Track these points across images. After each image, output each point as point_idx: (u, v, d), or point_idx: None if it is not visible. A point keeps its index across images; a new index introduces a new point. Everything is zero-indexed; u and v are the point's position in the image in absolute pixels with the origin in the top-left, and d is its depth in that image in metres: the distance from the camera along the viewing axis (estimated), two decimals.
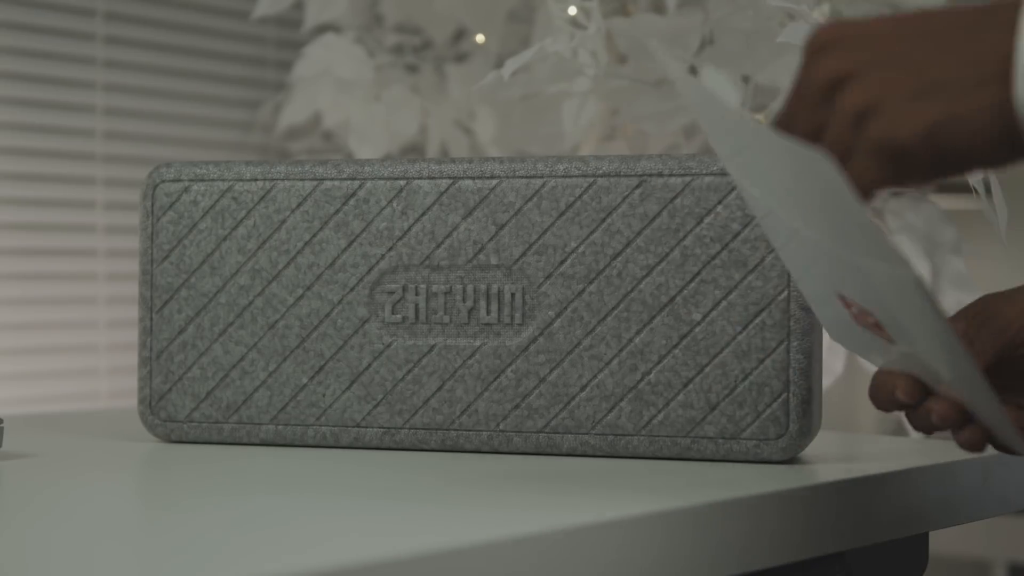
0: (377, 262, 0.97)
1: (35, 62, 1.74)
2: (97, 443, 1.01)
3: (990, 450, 0.96)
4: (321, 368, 0.98)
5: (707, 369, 0.92)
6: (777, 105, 1.37)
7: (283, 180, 0.99)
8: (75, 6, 1.76)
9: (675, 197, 0.93)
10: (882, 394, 0.72)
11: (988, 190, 1.19)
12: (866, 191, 0.62)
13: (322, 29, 1.77)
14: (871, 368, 1.55)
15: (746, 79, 1.37)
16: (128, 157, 1.82)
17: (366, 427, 0.97)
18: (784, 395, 0.90)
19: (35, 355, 1.76)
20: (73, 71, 1.77)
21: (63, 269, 1.78)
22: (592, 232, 0.94)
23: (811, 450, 0.97)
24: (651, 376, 0.93)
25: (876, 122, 0.61)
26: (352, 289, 0.98)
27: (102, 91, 1.79)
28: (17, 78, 1.73)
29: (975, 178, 1.18)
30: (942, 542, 2.62)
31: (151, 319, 1.01)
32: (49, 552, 0.61)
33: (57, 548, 0.62)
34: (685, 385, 0.92)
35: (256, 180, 0.99)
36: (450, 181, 0.96)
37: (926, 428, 0.71)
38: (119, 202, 1.82)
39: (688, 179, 0.93)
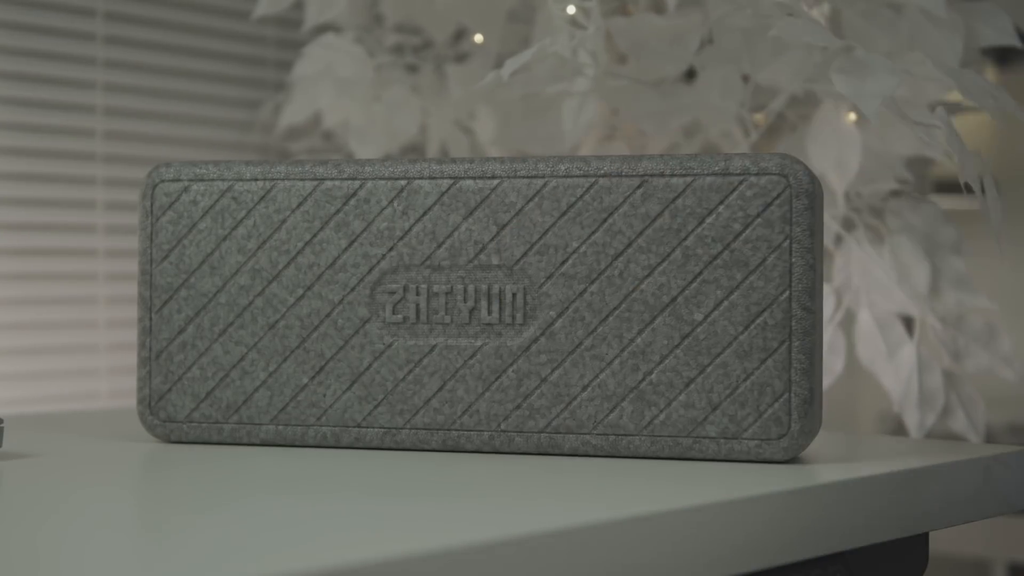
0: (378, 262, 0.97)
1: (35, 62, 1.74)
2: (97, 443, 1.01)
3: (990, 450, 0.96)
4: (321, 368, 0.98)
5: (709, 369, 0.92)
6: (778, 105, 1.37)
7: (283, 180, 0.99)
8: (75, 6, 1.76)
9: (676, 197, 0.93)
10: None
11: (983, 190, 1.19)
12: None
13: (322, 29, 1.76)
14: (870, 369, 1.55)
15: (746, 79, 1.37)
16: (128, 157, 1.82)
17: (367, 427, 0.97)
18: (786, 395, 0.90)
19: (35, 355, 1.76)
20: (73, 71, 1.77)
21: (63, 269, 1.78)
22: (593, 232, 0.94)
23: (812, 450, 0.97)
24: (653, 376, 0.93)
25: None
26: (352, 289, 0.98)
27: (102, 91, 1.79)
28: (17, 78, 1.73)
29: (971, 177, 1.19)
30: (942, 542, 2.62)
31: (151, 319, 1.01)
32: (49, 552, 0.61)
33: (57, 548, 0.62)
34: (687, 385, 0.92)
35: (256, 180, 0.99)
36: (451, 181, 0.96)
37: None
38: (119, 202, 1.82)
39: (689, 179, 0.93)
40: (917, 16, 1.31)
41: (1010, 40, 1.36)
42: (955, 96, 1.36)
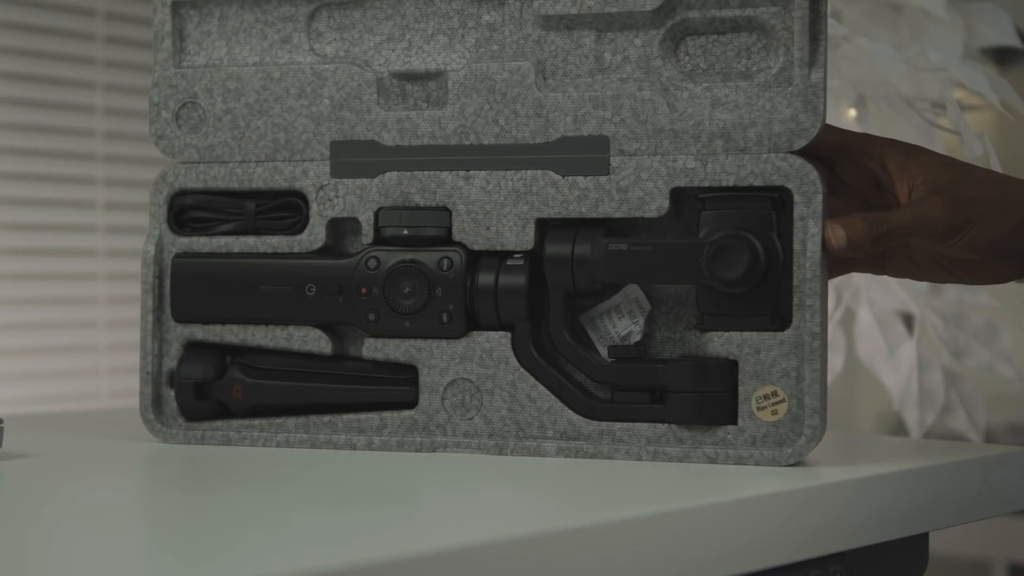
0: None
1: (35, 62, 1.74)
2: (97, 443, 1.01)
3: (990, 450, 0.96)
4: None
5: None
6: None
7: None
8: (75, 6, 1.76)
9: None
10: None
11: None
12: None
13: None
14: (869, 367, 1.55)
15: None
16: (128, 157, 1.82)
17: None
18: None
19: (35, 355, 1.76)
20: (73, 71, 1.77)
21: (63, 269, 1.78)
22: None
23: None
24: None
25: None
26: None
27: (102, 91, 1.79)
28: (17, 78, 1.73)
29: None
30: (942, 542, 2.62)
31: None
32: (49, 551, 0.61)
33: (57, 548, 0.62)
34: None
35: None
36: None
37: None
38: (119, 202, 1.82)
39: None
40: (917, 15, 1.31)
41: (1010, 40, 1.36)
42: (956, 94, 1.37)
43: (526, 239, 0.95)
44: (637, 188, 0.93)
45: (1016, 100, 1.26)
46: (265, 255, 0.99)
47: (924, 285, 1.50)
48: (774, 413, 0.90)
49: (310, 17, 0.99)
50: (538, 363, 0.94)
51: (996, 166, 1.20)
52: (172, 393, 1.00)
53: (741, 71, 0.93)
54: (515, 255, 0.95)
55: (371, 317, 0.96)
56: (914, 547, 0.93)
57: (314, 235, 0.98)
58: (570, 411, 0.94)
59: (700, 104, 0.93)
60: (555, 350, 0.95)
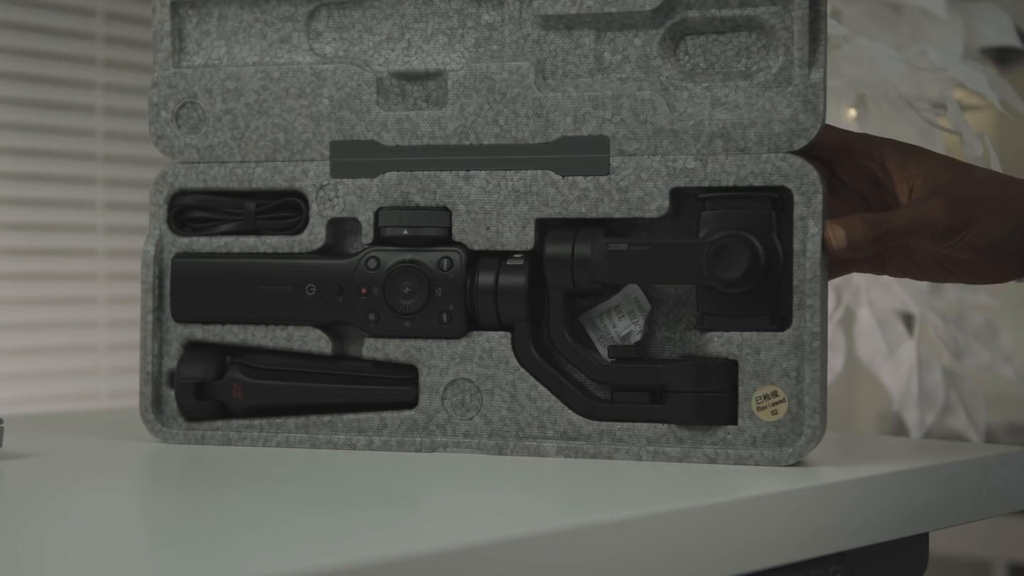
0: None
1: (35, 62, 1.74)
2: (97, 443, 1.01)
3: (990, 450, 0.96)
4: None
5: None
6: None
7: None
8: (75, 6, 1.76)
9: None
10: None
11: None
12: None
13: None
14: (869, 367, 1.55)
15: None
16: (128, 157, 1.82)
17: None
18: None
19: (35, 355, 1.76)
20: (73, 71, 1.77)
21: (63, 269, 1.78)
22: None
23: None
24: None
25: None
26: None
27: (102, 91, 1.79)
28: (17, 78, 1.73)
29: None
30: (942, 542, 2.62)
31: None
32: (48, 552, 0.61)
33: (56, 548, 0.62)
34: None
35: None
36: None
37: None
38: (119, 202, 1.82)
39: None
40: (917, 15, 1.31)
41: (1010, 40, 1.36)
42: (956, 94, 1.37)
43: (526, 239, 0.95)
44: (637, 188, 0.93)
45: (1016, 100, 1.27)
46: (265, 255, 0.99)
47: (924, 285, 1.50)
48: (774, 413, 0.90)
49: (309, 17, 1.00)
50: (538, 363, 0.94)
51: (996, 166, 1.20)
52: (172, 393, 1.00)
53: (741, 71, 0.93)
54: (515, 255, 0.95)
55: (371, 317, 0.96)
56: (914, 547, 0.93)
57: (314, 235, 0.98)
58: (570, 411, 0.94)
59: (700, 104, 0.93)
60: (555, 350, 0.95)
